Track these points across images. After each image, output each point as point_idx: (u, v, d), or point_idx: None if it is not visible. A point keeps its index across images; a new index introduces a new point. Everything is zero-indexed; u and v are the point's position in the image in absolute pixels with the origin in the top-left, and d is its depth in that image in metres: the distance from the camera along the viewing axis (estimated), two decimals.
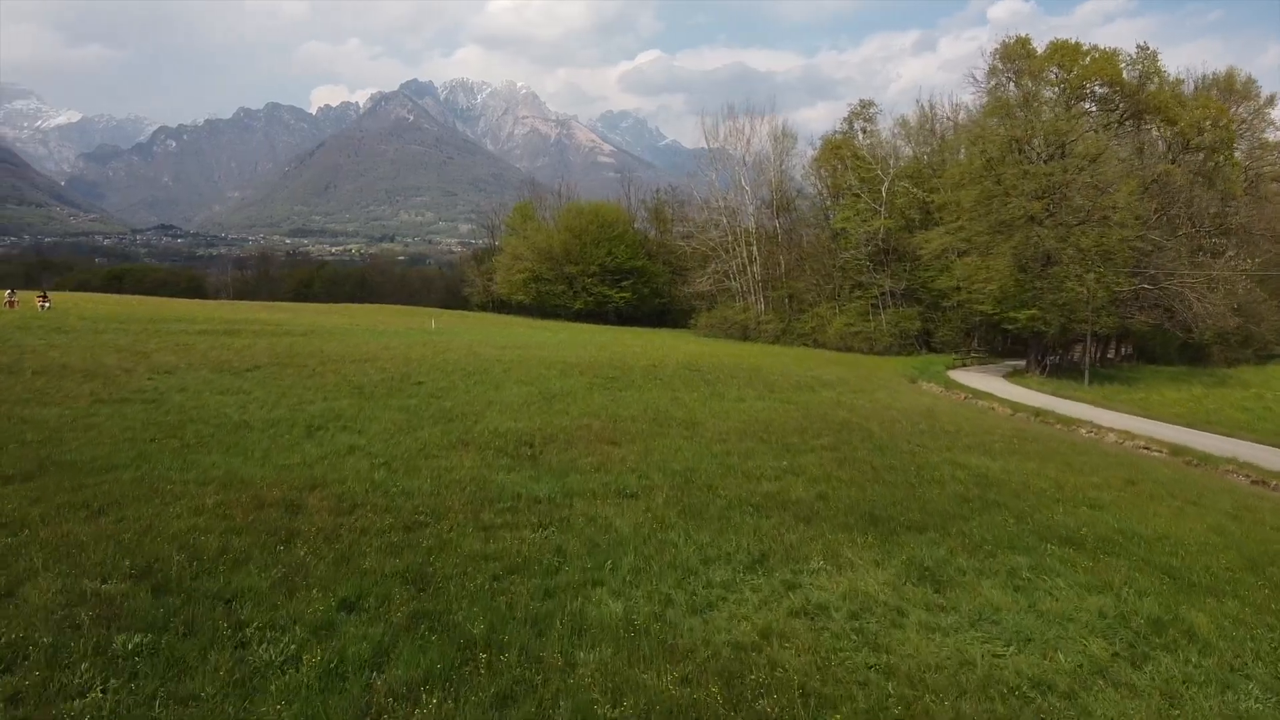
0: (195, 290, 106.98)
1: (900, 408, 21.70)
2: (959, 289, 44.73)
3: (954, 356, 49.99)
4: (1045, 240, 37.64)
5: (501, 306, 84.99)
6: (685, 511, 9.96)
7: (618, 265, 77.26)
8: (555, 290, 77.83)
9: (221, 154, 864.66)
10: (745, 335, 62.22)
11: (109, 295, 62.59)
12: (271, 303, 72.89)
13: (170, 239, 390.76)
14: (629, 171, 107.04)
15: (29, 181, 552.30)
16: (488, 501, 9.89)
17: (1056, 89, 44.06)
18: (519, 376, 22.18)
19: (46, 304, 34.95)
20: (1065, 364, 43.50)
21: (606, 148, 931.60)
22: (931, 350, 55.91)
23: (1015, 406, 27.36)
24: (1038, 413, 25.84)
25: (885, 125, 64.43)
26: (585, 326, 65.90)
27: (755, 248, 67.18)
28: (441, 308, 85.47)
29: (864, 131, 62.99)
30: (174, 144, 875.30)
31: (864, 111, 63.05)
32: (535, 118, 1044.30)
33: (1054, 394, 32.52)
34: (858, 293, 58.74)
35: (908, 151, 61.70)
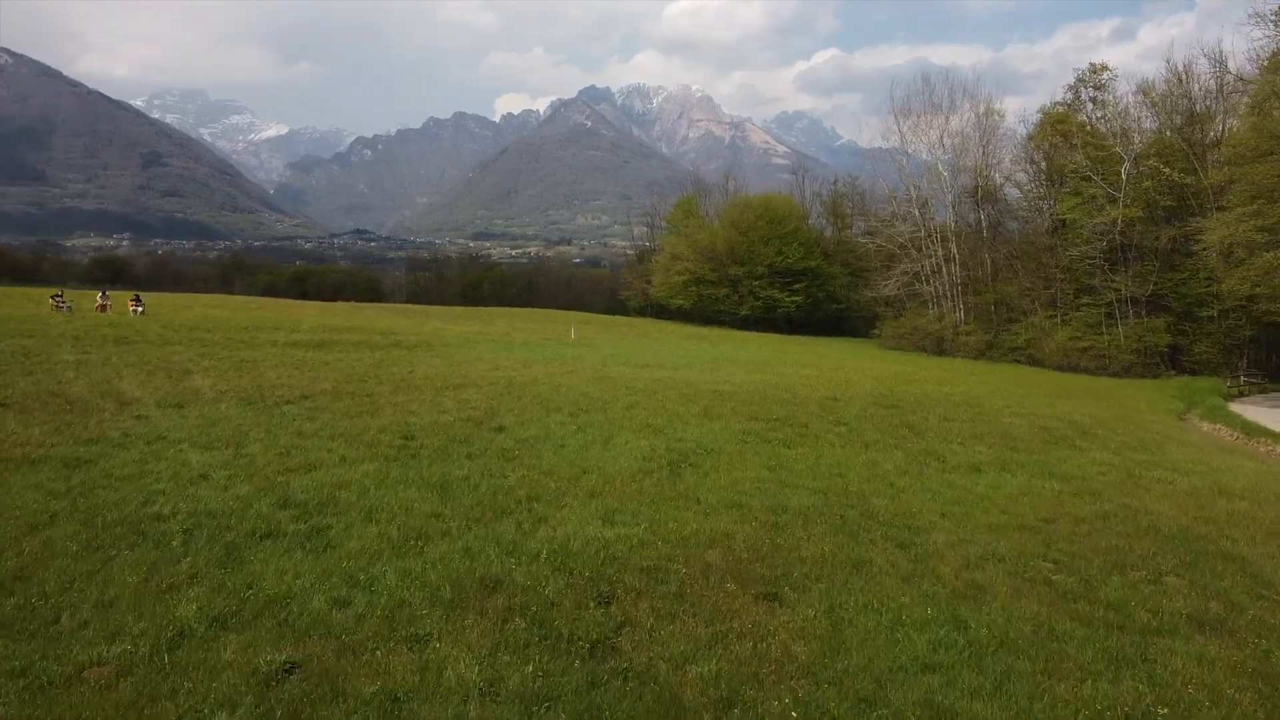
0: (372, 291, 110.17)
1: (1238, 487, 13.54)
2: (1237, 291, 34.26)
3: (1225, 382, 39.00)
4: None
5: (660, 312, 79.45)
6: None
7: (788, 266, 69.71)
8: (718, 294, 71.25)
9: (412, 161, 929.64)
10: (940, 348, 53.27)
11: (231, 298, 62.57)
12: (408, 306, 71.42)
13: (364, 242, 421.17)
14: (803, 170, 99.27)
15: (242, 190, 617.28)
16: None
17: None
18: (645, 417, 15.93)
19: (139, 308, 32.45)
20: None
21: (780, 149, 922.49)
22: (1181, 371, 44.81)
23: None
24: None
25: (1124, 91, 52.95)
26: (749, 336, 58.99)
27: (953, 244, 57.74)
28: (606, 313, 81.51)
29: (1094, 101, 52.03)
30: (369, 153, 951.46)
31: (1093, 78, 51.97)
32: (709, 120, 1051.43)
33: None
34: (1086, 299, 48.26)
35: (1150, 124, 50.25)
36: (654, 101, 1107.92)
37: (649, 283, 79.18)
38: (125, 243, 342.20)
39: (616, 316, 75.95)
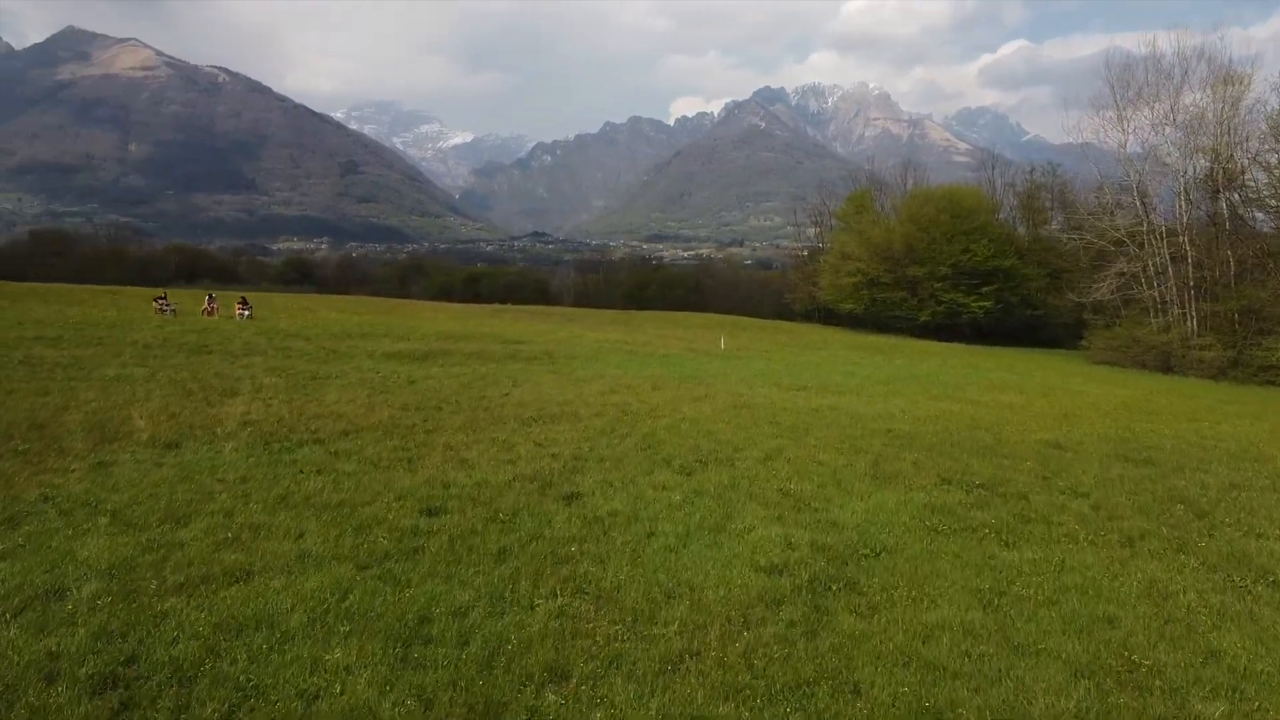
0: (540, 293, 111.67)
1: None
2: None
3: None
4: None
5: (828, 316, 73.24)
6: None
7: (976, 266, 61.80)
8: (893, 297, 64.32)
9: (589, 166, 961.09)
10: (1166, 365, 44.61)
11: (363, 299, 62.26)
12: (552, 309, 69.69)
13: (542, 245, 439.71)
14: (993, 160, 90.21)
15: (430, 196, 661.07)
16: None
17: None
18: (787, 476, 11.37)
19: (246, 312, 31.05)
20: None
21: (962, 146, 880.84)
22: None
23: None
24: None
25: None
26: (930, 347, 52.22)
27: (1184, 240, 48.45)
28: (774, 317, 76.70)
29: None
30: (549, 158, 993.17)
31: None
32: (886, 118, 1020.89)
33: None
34: None
35: None
36: (829, 101, 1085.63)
37: (815, 285, 73.13)
38: (324, 246, 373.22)
39: (779, 322, 70.55)
